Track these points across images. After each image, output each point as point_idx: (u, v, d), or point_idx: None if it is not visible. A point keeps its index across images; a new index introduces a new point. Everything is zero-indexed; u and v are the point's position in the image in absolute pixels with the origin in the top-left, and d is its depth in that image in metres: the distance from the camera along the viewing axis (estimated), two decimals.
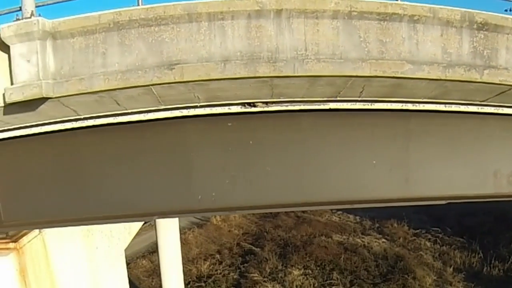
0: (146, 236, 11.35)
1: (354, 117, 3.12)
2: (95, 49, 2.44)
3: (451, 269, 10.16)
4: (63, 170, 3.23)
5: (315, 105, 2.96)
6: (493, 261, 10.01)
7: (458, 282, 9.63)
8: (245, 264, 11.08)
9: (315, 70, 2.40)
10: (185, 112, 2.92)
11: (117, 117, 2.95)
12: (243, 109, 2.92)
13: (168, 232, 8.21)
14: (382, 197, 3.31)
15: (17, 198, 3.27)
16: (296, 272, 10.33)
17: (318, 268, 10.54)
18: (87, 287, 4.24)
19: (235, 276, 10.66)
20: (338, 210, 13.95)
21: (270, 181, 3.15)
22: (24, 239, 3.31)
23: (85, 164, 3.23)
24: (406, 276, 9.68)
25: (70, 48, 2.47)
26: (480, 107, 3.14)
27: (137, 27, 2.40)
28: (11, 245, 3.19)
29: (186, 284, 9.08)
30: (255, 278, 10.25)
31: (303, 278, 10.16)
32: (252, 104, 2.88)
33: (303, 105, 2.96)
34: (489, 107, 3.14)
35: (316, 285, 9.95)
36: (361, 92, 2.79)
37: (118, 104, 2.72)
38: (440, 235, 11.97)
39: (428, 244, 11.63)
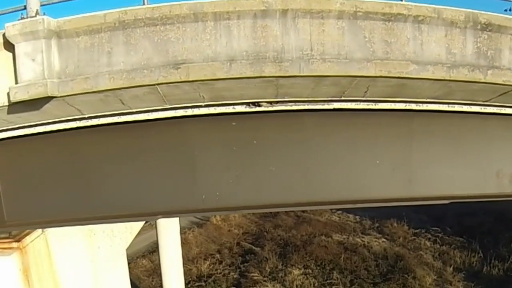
0: (146, 235, 11.33)
1: (358, 117, 3.13)
2: (100, 48, 2.44)
3: (451, 268, 10.19)
4: (66, 169, 3.23)
5: (319, 105, 2.97)
6: (493, 261, 10.05)
7: (458, 281, 9.67)
8: (245, 264, 11.09)
9: (320, 70, 2.41)
10: (189, 112, 2.92)
11: (121, 117, 2.95)
12: (248, 109, 2.93)
13: (169, 231, 8.21)
14: (385, 197, 3.32)
15: (20, 197, 3.26)
16: (296, 272, 10.34)
17: (318, 267, 10.56)
18: (89, 287, 4.23)
19: (235, 276, 10.67)
20: (338, 209, 13.97)
21: (274, 180, 3.16)
22: (27, 239, 3.30)
23: (89, 163, 3.23)
24: (406, 275, 9.71)
25: (75, 47, 2.47)
26: (483, 107, 3.15)
27: (143, 26, 2.40)
28: (14, 244, 3.19)
29: (186, 284, 9.08)
30: (255, 277, 10.26)
31: (303, 277, 10.17)
32: (257, 104, 2.88)
33: (307, 105, 2.97)
34: (492, 107, 3.16)
35: (316, 284, 9.96)
36: (365, 92, 2.80)
37: (123, 103, 2.72)
38: (440, 235, 12.01)
39: (428, 243, 11.66)
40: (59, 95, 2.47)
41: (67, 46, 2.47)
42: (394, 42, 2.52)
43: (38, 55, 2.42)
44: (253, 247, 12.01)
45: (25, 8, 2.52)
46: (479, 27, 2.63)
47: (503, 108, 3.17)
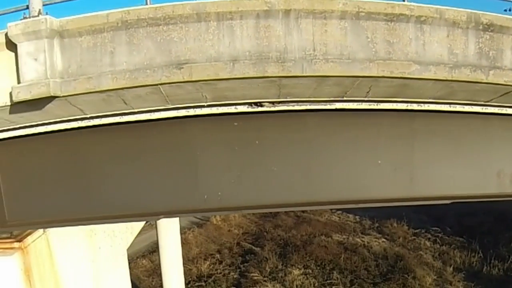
0: (146, 235, 11.32)
1: (360, 117, 3.14)
2: (103, 48, 2.44)
3: (451, 268, 10.21)
4: (68, 169, 3.22)
5: (321, 105, 2.98)
6: (493, 261, 10.07)
7: (458, 281, 9.69)
8: (245, 264, 11.09)
9: (323, 70, 2.42)
10: (191, 112, 2.92)
11: (123, 116, 2.94)
12: (250, 109, 2.93)
13: (169, 232, 8.21)
14: (386, 197, 3.33)
15: (21, 197, 3.26)
16: (296, 272, 10.35)
17: (318, 267, 10.57)
18: (90, 287, 4.23)
19: (235, 276, 10.66)
20: (337, 209, 13.99)
21: (276, 180, 3.16)
22: (29, 239, 3.30)
23: (90, 163, 3.22)
24: (406, 275, 9.72)
25: (78, 46, 2.47)
26: (484, 107, 3.16)
27: (146, 26, 2.40)
28: (16, 244, 3.18)
29: (186, 284, 9.08)
30: (255, 277, 10.26)
31: (303, 277, 10.18)
32: (259, 104, 2.89)
33: (309, 105, 2.97)
34: (493, 107, 3.17)
35: (316, 284, 9.97)
36: (367, 92, 2.81)
37: (125, 103, 2.72)
38: (440, 235, 12.03)
39: (428, 243, 11.68)
40: (61, 95, 2.47)
41: (69, 46, 2.47)
42: (396, 43, 2.52)
43: (41, 54, 2.42)
44: (253, 247, 12.01)
45: (27, 7, 2.51)
46: (481, 27, 2.64)
47: (504, 109, 3.18)
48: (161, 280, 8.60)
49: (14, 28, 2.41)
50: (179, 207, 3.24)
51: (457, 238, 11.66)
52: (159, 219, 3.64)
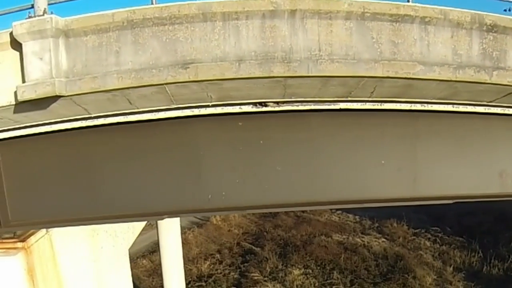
0: (146, 235, 11.31)
1: (363, 117, 3.15)
2: (109, 47, 2.44)
3: (451, 268, 10.25)
4: (72, 169, 3.22)
5: (326, 105, 2.98)
6: (492, 261, 10.12)
7: (458, 281, 9.72)
8: (245, 264, 11.10)
9: (329, 71, 2.42)
10: (196, 112, 2.93)
11: (127, 116, 2.94)
12: (254, 109, 2.93)
13: (170, 232, 8.21)
14: (390, 197, 3.34)
15: (24, 197, 3.25)
16: (296, 272, 10.36)
17: (318, 267, 10.58)
18: (92, 287, 4.22)
19: (235, 276, 10.67)
20: (337, 209, 14.01)
21: (280, 180, 3.16)
22: (32, 239, 3.29)
23: (94, 163, 3.22)
24: (406, 275, 9.75)
25: (83, 46, 2.46)
26: (487, 107, 3.18)
27: (151, 26, 2.40)
28: (19, 244, 3.18)
29: (186, 284, 9.07)
30: (256, 277, 10.27)
31: (304, 277, 10.19)
32: (264, 104, 2.89)
33: (314, 105, 2.98)
34: (496, 108, 3.18)
35: (316, 284, 9.98)
36: (372, 92, 2.82)
37: (130, 103, 2.72)
38: (440, 235, 12.07)
39: (428, 243, 11.72)
40: (66, 94, 2.47)
41: (75, 45, 2.47)
42: (401, 43, 2.53)
43: (46, 54, 2.41)
44: (253, 247, 12.02)
45: (32, 7, 2.51)
46: (484, 28, 2.65)
47: (507, 109, 3.20)
48: (161, 280, 8.60)
49: (19, 27, 2.40)
50: (183, 207, 3.24)
51: (457, 238, 11.70)
52: (162, 219, 3.63)
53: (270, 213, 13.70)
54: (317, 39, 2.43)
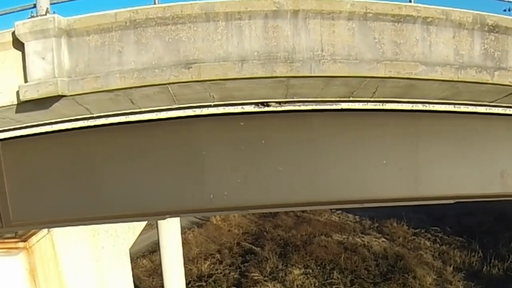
0: (146, 235, 11.30)
1: (365, 117, 3.15)
2: (111, 47, 2.44)
3: (451, 268, 10.27)
4: (73, 169, 3.22)
5: (327, 105, 2.99)
6: (492, 260, 10.14)
7: (458, 281, 9.74)
8: (246, 264, 11.10)
9: (331, 71, 2.43)
10: (198, 111, 2.93)
11: (129, 116, 2.94)
12: (256, 109, 2.94)
13: (170, 232, 8.21)
14: (391, 197, 3.34)
15: (26, 197, 3.24)
16: (296, 272, 10.37)
17: (319, 267, 10.59)
18: (93, 287, 4.22)
19: (235, 276, 10.67)
20: (337, 209, 14.02)
21: (282, 180, 3.17)
22: (33, 239, 3.29)
23: (96, 163, 3.22)
24: (406, 275, 9.77)
25: (86, 46, 2.46)
26: (488, 107, 3.19)
27: (154, 25, 2.40)
28: (21, 244, 3.17)
29: (186, 284, 9.07)
30: (256, 277, 10.27)
31: (304, 277, 10.20)
32: (266, 104, 2.89)
33: (316, 105, 2.98)
34: (497, 108, 3.19)
35: (316, 284, 9.99)
36: (374, 92, 2.82)
37: (133, 102, 2.72)
38: (440, 235, 12.09)
39: (428, 243, 11.74)
40: (69, 94, 2.46)
41: (77, 45, 2.46)
42: (403, 43, 2.54)
43: (48, 53, 2.41)
44: (253, 247, 12.02)
45: (34, 6, 2.51)
46: (486, 28, 2.66)
47: (508, 109, 3.21)
48: (161, 280, 8.60)
49: (22, 26, 2.40)
50: (184, 207, 3.24)
51: (457, 238, 11.72)
52: (164, 219, 3.63)
53: (270, 213, 13.70)
54: (319, 39, 2.44)
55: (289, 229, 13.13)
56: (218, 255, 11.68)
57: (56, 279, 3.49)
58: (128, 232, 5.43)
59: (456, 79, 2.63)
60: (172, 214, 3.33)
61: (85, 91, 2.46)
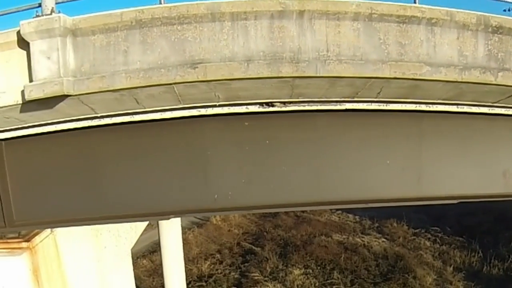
0: (147, 235, 11.27)
1: (369, 117, 3.16)
2: (117, 47, 2.44)
3: (451, 268, 10.30)
4: (77, 169, 3.21)
5: (332, 105, 2.99)
6: (492, 260, 10.17)
7: (458, 281, 9.77)
8: (246, 264, 11.10)
9: (337, 71, 2.43)
10: (202, 111, 2.93)
11: (134, 116, 2.94)
12: (261, 109, 2.94)
13: (171, 231, 8.20)
14: (394, 197, 3.35)
15: (29, 197, 3.24)
16: (296, 272, 10.38)
17: (319, 267, 10.60)
18: (96, 287, 4.21)
19: (236, 276, 10.67)
20: (337, 209, 14.04)
21: (286, 180, 3.17)
22: (37, 239, 3.28)
23: (100, 163, 3.21)
24: (406, 275, 9.79)
25: (91, 45, 2.46)
26: (491, 108, 3.20)
27: (160, 25, 2.40)
28: (24, 244, 3.17)
29: (187, 284, 9.06)
30: (256, 277, 10.28)
31: (304, 277, 10.21)
32: (270, 104, 2.90)
33: (320, 105, 2.99)
34: (499, 108, 3.21)
35: (317, 284, 10.00)
36: (378, 93, 2.83)
37: (138, 102, 2.72)
38: (440, 235, 12.12)
39: (428, 243, 11.77)
40: (74, 94, 2.46)
41: (82, 44, 2.46)
42: (408, 44, 2.55)
43: (54, 53, 2.41)
44: (253, 247, 12.02)
45: (39, 6, 2.50)
46: (490, 29, 2.67)
47: (511, 110, 3.22)
48: (161, 280, 8.58)
49: (27, 26, 2.39)
50: (189, 207, 3.24)
51: (457, 238, 11.75)
52: (168, 219, 3.64)
53: (270, 213, 13.71)
54: (325, 39, 2.44)
55: (289, 229, 13.13)
56: (218, 255, 11.67)
57: (59, 279, 3.49)
58: (130, 232, 5.42)
59: (460, 80, 2.64)
60: (176, 214, 3.33)
61: (91, 91, 2.46)
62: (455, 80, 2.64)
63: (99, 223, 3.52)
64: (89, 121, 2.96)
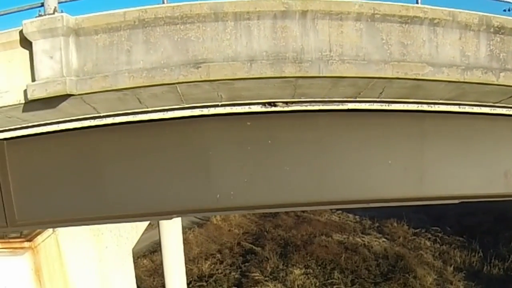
0: (147, 235, 11.26)
1: (371, 117, 3.17)
2: (120, 46, 2.44)
3: (452, 268, 10.31)
4: (79, 168, 3.21)
5: (334, 105, 3.00)
6: (493, 260, 10.18)
7: (459, 281, 9.78)
8: (246, 264, 11.10)
9: (339, 71, 2.44)
10: (205, 111, 2.93)
11: (136, 115, 2.94)
12: (263, 109, 2.94)
13: (171, 231, 8.20)
14: (396, 197, 3.36)
15: (31, 197, 3.24)
16: (297, 272, 10.38)
17: (319, 267, 10.61)
18: (97, 287, 4.21)
19: (236, 276, 10.67)
20: (338, 209, 14.04)
21: (288, 180, 3.17)
22: (39, 239, 3.28)
23: (101, 162, 3.21)
24: (406, 275, 9.80)
25: (94, 45, 2.46)
26: (492, 108, 3.21)
27: (163, 25, 2.40)
28: (26, 244, 3.17)
29: (187, 284, 9.06)
30: (257, 277, 10.28)
31: (305, 277, 10.22)
32: (273, 104, 2.90)
33: (322, 105, 2.99)
34: (501, 109, 3.21)
35: (317, 284, 10.01)
36: (380, 93, 2.84)
37: (140, 102, 2.72)
38: (440, 235, 12.12)
39: (428, 243, 11.78)
40: (77, 93, 2.46)
41: (85, 44, 2.46)
42: (410, 44, 2.55)
43: (57, 52, 2.41)
44: (254, 247, 12.02)
45: (42, 5, 2.50)
46: (492, 30, 2.67)
47: None
48: (162, 280, 8.58)
49: (30, 25, 2.39)
50: (191, 207, 3.24)
51: (457, 238, 11.76)
52: (171, 218, 3.64)
53: (271, 213, 13.70)
54: (328, 39, 2.45)
55: (290, 229, 13.13)
56: (218, 255, 11.67)
57: (61, 279, 3.49)
58: (131, 232, 5.42)
59: (462, 80, 2.65)
60: (178, 213, 3.33)
61: (94, 90, 2.46)
62: (457, 80, 2.64)
63: (101, 222, 3.52)
64: (91, 120, 2.96)
